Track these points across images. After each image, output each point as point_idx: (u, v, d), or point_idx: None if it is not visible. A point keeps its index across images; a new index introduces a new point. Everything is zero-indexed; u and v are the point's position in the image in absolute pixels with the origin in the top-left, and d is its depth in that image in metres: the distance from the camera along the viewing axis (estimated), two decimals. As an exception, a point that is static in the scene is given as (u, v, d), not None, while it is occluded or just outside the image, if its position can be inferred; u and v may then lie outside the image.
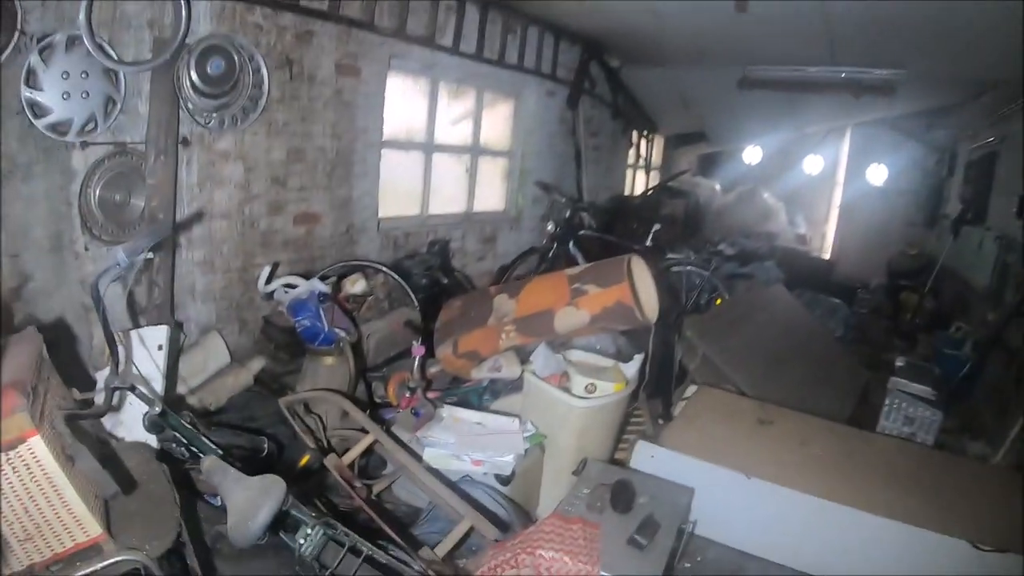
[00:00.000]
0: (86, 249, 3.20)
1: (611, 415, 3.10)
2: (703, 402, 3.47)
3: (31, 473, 1.69)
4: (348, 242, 4.63)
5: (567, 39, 6.39)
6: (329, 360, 3.52)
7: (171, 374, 3.14)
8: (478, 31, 5.27)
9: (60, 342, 3.11)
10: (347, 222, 4.59)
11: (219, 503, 2.80)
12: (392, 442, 2.70)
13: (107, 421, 2.55)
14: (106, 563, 1.78)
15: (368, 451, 2.85)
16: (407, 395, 3.19)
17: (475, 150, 5.89)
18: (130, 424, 2.56)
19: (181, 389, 3.55)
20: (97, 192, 3.20)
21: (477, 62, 5.34)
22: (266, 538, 1.86)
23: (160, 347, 2.95)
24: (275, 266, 3.88)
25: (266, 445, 2.88)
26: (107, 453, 2.24)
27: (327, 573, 2.03)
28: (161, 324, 3.04)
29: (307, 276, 3.75)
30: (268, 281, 3.69)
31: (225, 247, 3.86)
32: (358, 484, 2.72)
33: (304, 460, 2.67)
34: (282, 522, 1.99)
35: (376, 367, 3.98)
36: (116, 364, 2.27)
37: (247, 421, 3.51)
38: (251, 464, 2.66)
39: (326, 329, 3.48)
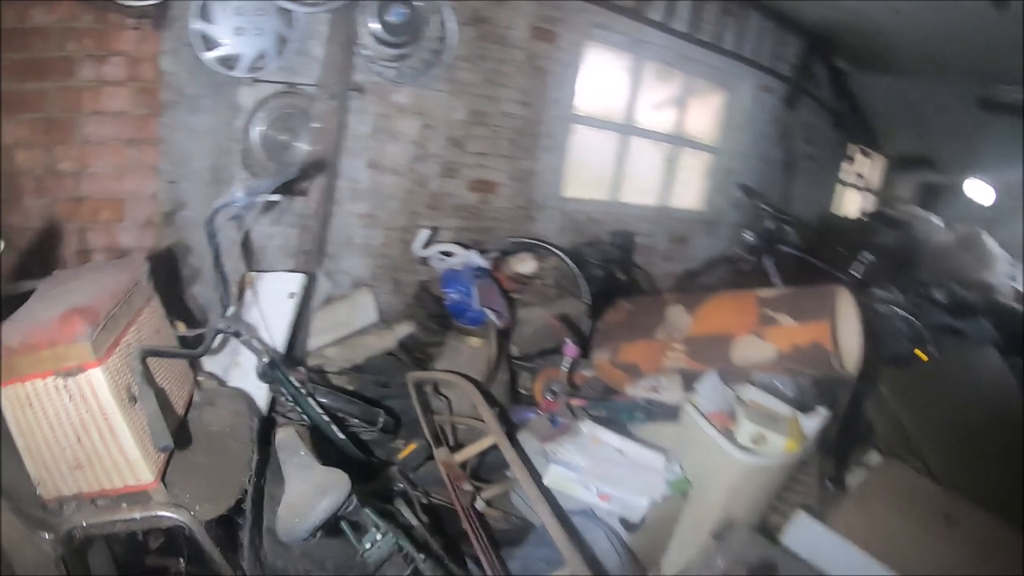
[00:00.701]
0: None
1: (774, 477, 2.51)
2: (884, 479, 2.78)
3: (87, 404, 1.59)
4: (524, 218, 4.24)
5: (792, 31, 5.54)
6: (473, 341, 3.18)
7: (301, 325, 2.94)
8: (692, 9, 4.64)
9: (200, 274, 3.06)
10: (526, 196, 4.21)
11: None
12: (512, 451, 2.29)
13: (221, 363, 2.37)
14: (148, 514, 1.67)
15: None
16: (550, 397, 2.77)
17: (676, 140, 5.25)
18: (246, 369, 2.37)
19: (320, 340, 3.39)
20: (261, 130, 3.09)
21: (688, 43, 4.71)
22: (316, 537, 1.54)
23: (292, 295, 2.76)
24: (434, 230, 3.59)
25: (381, 419, 2.60)
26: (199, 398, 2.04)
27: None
28: (299, 271, 2.88)
29: (472, 248, 3.42)
30: (426, 245, 3.39)
31: (391, 203, 3.65)
32: (465, 487, 2.35)
33: (407, 450, 2.34)
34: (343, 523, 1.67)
35: (528, 357, 3.60)
36: (225, 306, 2.08)
37: (379, 387, 3.27)
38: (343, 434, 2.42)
39: (475, 307, 3.12)
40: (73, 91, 2.75)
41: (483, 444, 2.36)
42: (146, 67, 2.80)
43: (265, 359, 2.15)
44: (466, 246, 3.38)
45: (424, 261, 3.47)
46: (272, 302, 2.74)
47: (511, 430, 2.68)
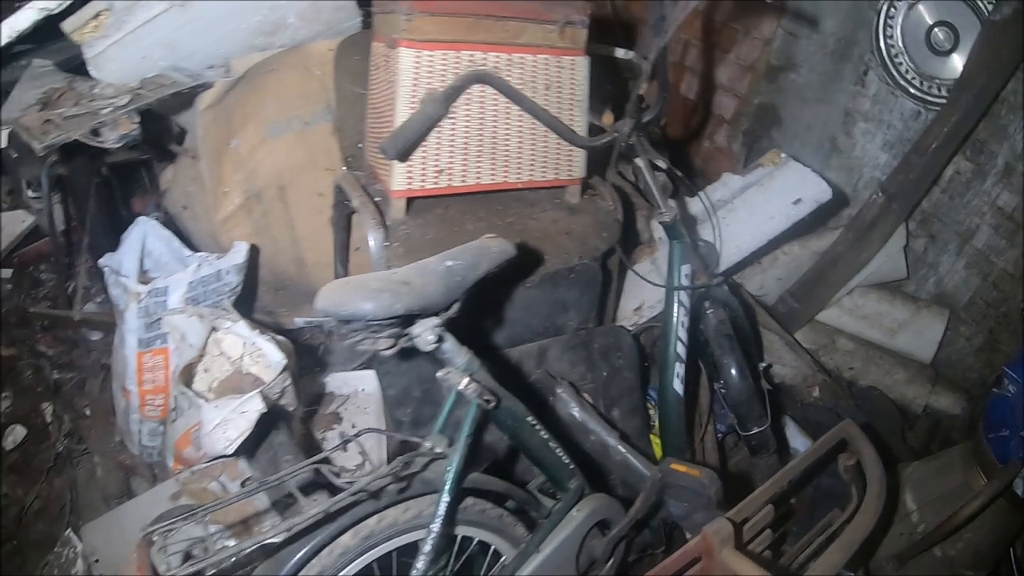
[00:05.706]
0: (864, 74, 2.30)
1: None
2: None
3: (389, 80, 1.48)
4: None
5: None
6: (977, 482, 1.69)
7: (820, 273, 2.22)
8: None
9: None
10: None
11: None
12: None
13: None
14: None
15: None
16: None
17: None
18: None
19: (844, 320, 2.45)
20: (911, 17, 2.16)
21: None
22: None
23: (797, 201, 2.03)
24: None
25: (758, 428, 1.69)
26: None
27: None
28: (829, 187, 2.07)
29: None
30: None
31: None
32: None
33: (685, 468, 1.35)
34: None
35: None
36: (659, 154, 1.52)
37: (828, 410, 2.21)
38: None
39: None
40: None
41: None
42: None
43: (666, 216, 1.51)
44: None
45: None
46: (774, 196, 2.05)
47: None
